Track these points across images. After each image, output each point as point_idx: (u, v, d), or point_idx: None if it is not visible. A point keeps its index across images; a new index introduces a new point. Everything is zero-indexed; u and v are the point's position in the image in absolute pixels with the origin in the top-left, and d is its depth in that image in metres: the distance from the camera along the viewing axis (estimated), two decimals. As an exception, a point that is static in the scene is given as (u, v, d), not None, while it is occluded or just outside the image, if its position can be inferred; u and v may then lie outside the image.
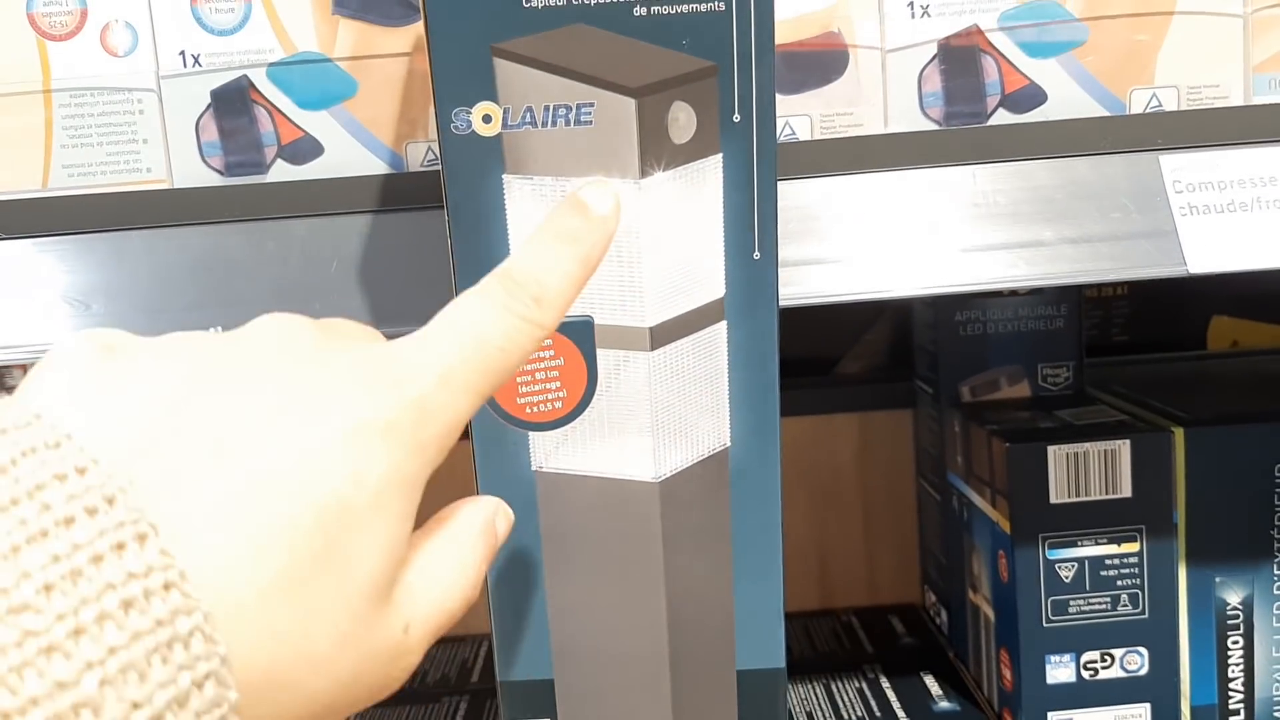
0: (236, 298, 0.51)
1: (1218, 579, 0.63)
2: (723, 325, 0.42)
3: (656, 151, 0.39)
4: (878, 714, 0.68)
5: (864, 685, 0.72)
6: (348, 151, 0.52)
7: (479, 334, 0.30)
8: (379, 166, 0.52)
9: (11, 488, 0.23)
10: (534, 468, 0.43)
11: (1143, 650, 0.62)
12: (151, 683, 0.22)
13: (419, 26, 0.51)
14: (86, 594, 0.22)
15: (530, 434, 0.43)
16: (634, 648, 0.44)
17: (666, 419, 0.42)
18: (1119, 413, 0.66)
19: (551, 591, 0.44)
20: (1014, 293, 0.72)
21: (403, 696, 0.76)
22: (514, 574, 0.44)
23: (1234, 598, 0.64)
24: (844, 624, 0.82)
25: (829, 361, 0.90)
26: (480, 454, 0.43)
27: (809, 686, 0.72)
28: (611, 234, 0.35)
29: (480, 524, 0.32)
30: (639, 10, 0.39)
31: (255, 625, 0.24)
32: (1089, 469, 0.61)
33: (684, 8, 0.39)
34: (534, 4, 0.38)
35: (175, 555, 0.23)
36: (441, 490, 0.33)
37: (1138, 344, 0.86)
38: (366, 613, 0.27)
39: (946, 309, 0.72)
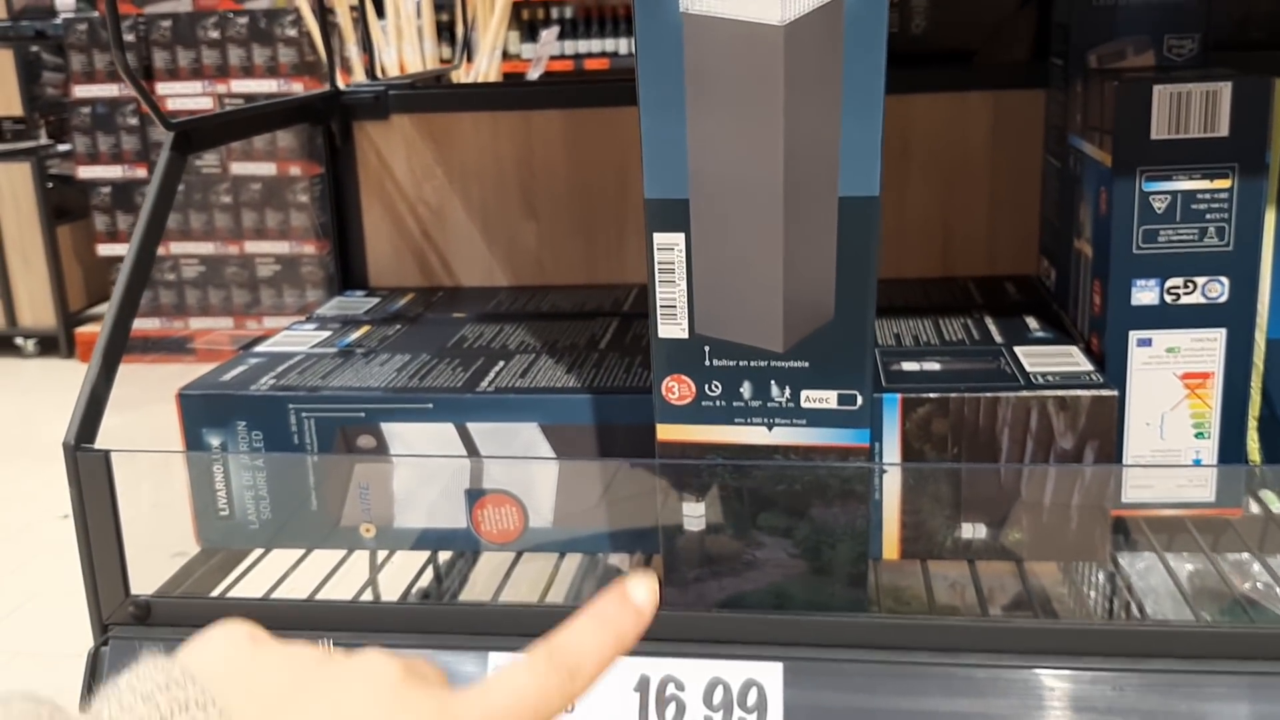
0: None
1: (1305, 222, 0.69)
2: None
3: None
4: (975, 336, 0.76)
5: (969, 321, 0.80)
6: None
7: (522, 697, 0.37)
8: None
9: None
10: (681, 10, 0.52)
11: (1224, 280, 0.69)
12: None
13: None
14: None
15: (679, -21, 0.51)
16: (755, 173, 0.54)
17: (794, -31, 0.50)
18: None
19: (691, 123, 0.53)
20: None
21: (562, 315, 0.88)
22: (662, 109, 0.53)
23: (1319, 241, 0.69)
24: (961, 286, 0.90)
25: (968, 54, 0.95)
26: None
27: (918, 320, 0.81)
28: (647, 621, 0.40)
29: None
30: None
31: None
32: (1190, 107, 0.67)
33: None
34: None
35: None
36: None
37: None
38: None
39: (1081, -18, 0.77)
